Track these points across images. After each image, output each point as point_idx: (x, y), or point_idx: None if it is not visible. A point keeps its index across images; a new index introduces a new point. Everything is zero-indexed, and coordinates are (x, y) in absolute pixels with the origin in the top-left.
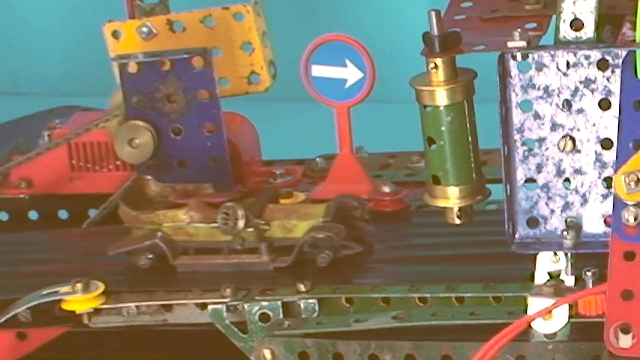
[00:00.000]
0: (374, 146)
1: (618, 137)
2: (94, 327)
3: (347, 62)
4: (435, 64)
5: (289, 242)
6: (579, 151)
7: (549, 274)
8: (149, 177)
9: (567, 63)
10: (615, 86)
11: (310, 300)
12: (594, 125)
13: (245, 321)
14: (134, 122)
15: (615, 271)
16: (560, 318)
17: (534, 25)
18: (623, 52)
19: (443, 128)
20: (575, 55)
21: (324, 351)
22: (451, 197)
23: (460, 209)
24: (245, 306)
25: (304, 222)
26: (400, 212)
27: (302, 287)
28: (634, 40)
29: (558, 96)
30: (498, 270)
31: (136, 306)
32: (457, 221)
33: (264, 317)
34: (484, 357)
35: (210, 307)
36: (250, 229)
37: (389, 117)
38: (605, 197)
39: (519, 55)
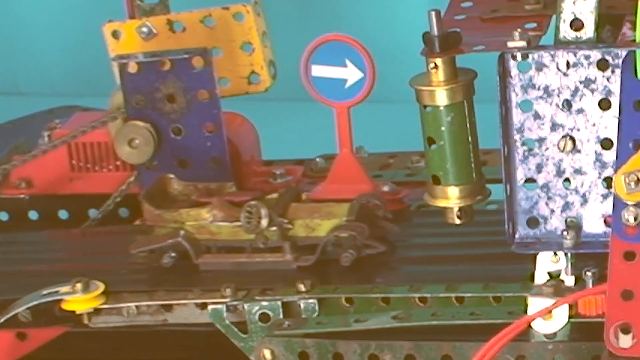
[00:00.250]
0: (374, 146)
1: (618, 137)
2: (94, 327)
3: (347, 62)
4: (435, 64)
5: (312, 241)
6: (579, 151)
7: (549, 274)
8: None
9: (567, 63)
10: (615, 86)
11: (310, 300)
12: (594, 125)
13: (245, 321)
14: (134, 122)
15: (615, 271)
16: (560, 318)
17: (534, 25)
18: (623, 52)
19: (443, 128)
20: (575, 55)
21: (324, 351)
22: (451, 197)
23: (460, 209)
24: (245, 306)
25: (327, 221)
26: (400, 212)
27: (302, 287)
28: (634, 40)
29: (558, 96)
30: (498, 270)
31: (136, 306)
32: (457, 221)
33: (264, 317)
34: (484, 357)
35: (210, 307)
36: (274, 228)
37: (389, 117)
38: (605, 197)
39: (519, 55)
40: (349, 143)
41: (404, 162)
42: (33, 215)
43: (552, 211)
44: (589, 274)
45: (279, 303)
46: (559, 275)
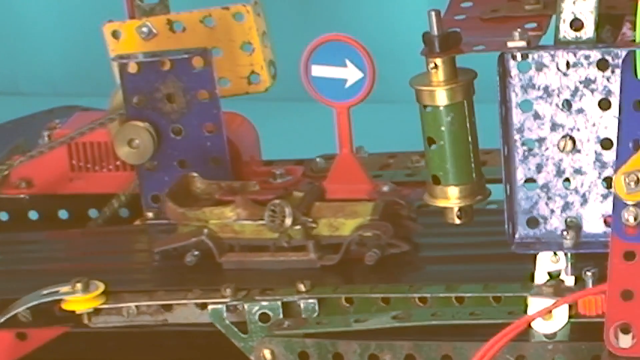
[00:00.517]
0: (374, 146)
1: (618, 137)
2: (94, 327)
3: (347, 62)
4: (435, 64)
5: (336, 240)
6: (578, 151)
7: (549, 274)
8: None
9: (567, 63)
10: (615, 86)
11: (310, 300)
12: (594, 125)
13: (245, 321)
14: (134, 122)
15: (615, 271)
16: (560, 318)
17: (534, 25)
18: (623, 52)
19: (443, 128)
20: (575, 55)
21: (324, 351)
22: (451, 197)
23: (460, 209)
24: (245, 306)
25: (351, 220)
26: None
27: (302, 287)
28: (634, 40)
29: (558, 96)
30: (498, 270)
31: (136, 306)
32: (457, 221)
33: (264, 317)
34: (484, 357)
35: (210, 307)
36: (298, 227)
37: (389, 117)
38: (605, 197)
39: (519, 55)
40: (349, 143)
41: (404, 162)
42: (33, 215)
43: (552, 211)
44: (588, 274)
45: (279, 303)
46: (559, 275)
